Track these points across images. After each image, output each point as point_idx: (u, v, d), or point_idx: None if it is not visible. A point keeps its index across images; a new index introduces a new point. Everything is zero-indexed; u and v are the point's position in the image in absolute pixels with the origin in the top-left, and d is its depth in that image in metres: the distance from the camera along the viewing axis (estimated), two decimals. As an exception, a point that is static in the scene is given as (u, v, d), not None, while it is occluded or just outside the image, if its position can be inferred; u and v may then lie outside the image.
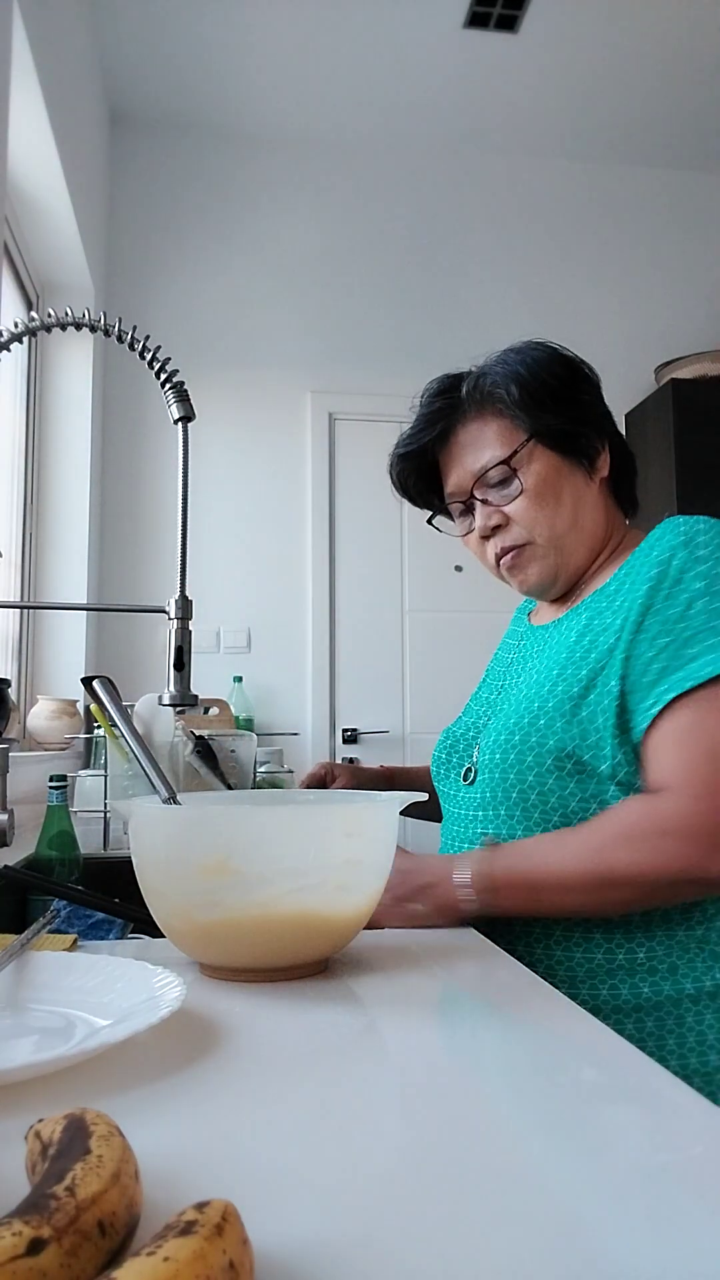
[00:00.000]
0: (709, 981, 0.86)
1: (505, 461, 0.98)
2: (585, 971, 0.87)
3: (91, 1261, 0.29)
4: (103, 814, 1.63)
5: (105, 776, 1.62)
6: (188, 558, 0.99)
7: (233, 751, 1.58)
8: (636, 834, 0.82)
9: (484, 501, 1.02)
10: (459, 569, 3.38)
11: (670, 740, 0.84)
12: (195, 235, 3.38)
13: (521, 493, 0.99)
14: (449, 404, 1.04)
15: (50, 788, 1.20)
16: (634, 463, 1.04)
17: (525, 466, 0.98)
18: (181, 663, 0.95)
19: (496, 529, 1.02)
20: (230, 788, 1.53)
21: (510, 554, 1.02)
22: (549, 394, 0.97)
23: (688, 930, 0.87)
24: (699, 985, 0.86)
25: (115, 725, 0.87)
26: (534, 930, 0.90)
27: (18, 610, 2.77)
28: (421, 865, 0.87)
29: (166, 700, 0.95)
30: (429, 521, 1.15)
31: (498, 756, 0.94)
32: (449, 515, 1.13)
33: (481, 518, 1.02)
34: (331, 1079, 0.50)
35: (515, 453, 0.98)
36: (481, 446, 1.01)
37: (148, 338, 1.02)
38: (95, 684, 0.90)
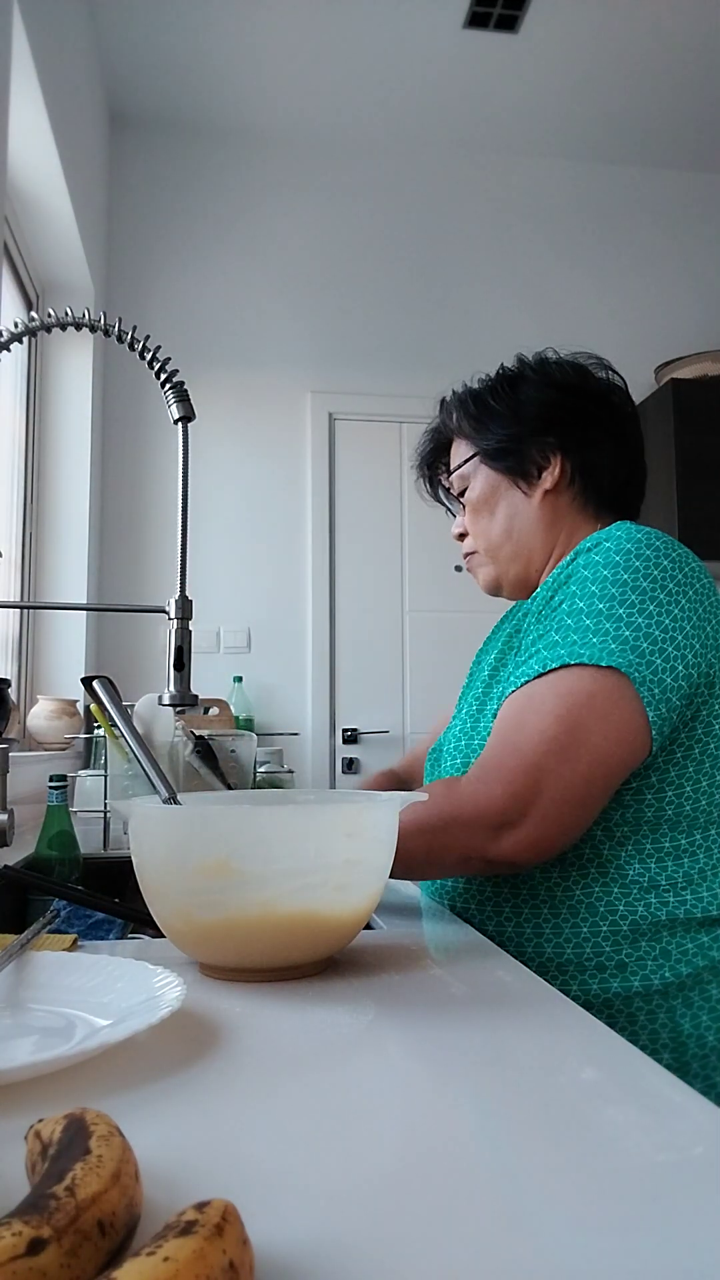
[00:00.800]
0: (658, 980, 0.86)
1: (449, 474, 1.11)
2: (537, 966, 0.88)
3: (91, 1261, 0.29)
4: (103, 814, 1.62)
5: (105, 776, 1.62)
6: (188, 558, 0.99)
7: (233, 751, 1.58)
8: (430, 822, 0.86)
9: (454, 512, 1.14)
10: (459, 569, 3.37)
11: (493, 729, 0.89)
12: (195, 235, 3.38)
13: (466, 507, 1.09)
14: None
15: (50, 788, 1.20)
16: (620, 466, 1.04)
17: (471, 483, 1.08)
18: (181, 663, 0.95)
19: (462, 535, 1.12)
20: (230, 788, 1.53)
21: (466, 559, 1.13)
22: (489, 416, 1.05)
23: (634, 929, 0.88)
24: (647, 984, 0.86)
25: (115, 725, 0.87)
26: (488, 925, 0.93)
27: (18, 610, 2.77)
28: None
29: (166, 700, 0.95)
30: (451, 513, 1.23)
31: (458, 761, 0.98)
32: None
33: (454, 524, 1.14)
34: (331, 1079, 0.50)
35: (458, 468, 1.09)
36: (453, 462, 1.12)
37: (148, 338, 1.02)
38: (95, 684, 0.90)
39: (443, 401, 1.12)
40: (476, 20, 2.89)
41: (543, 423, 1.02)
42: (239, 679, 3.13)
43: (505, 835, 0.83)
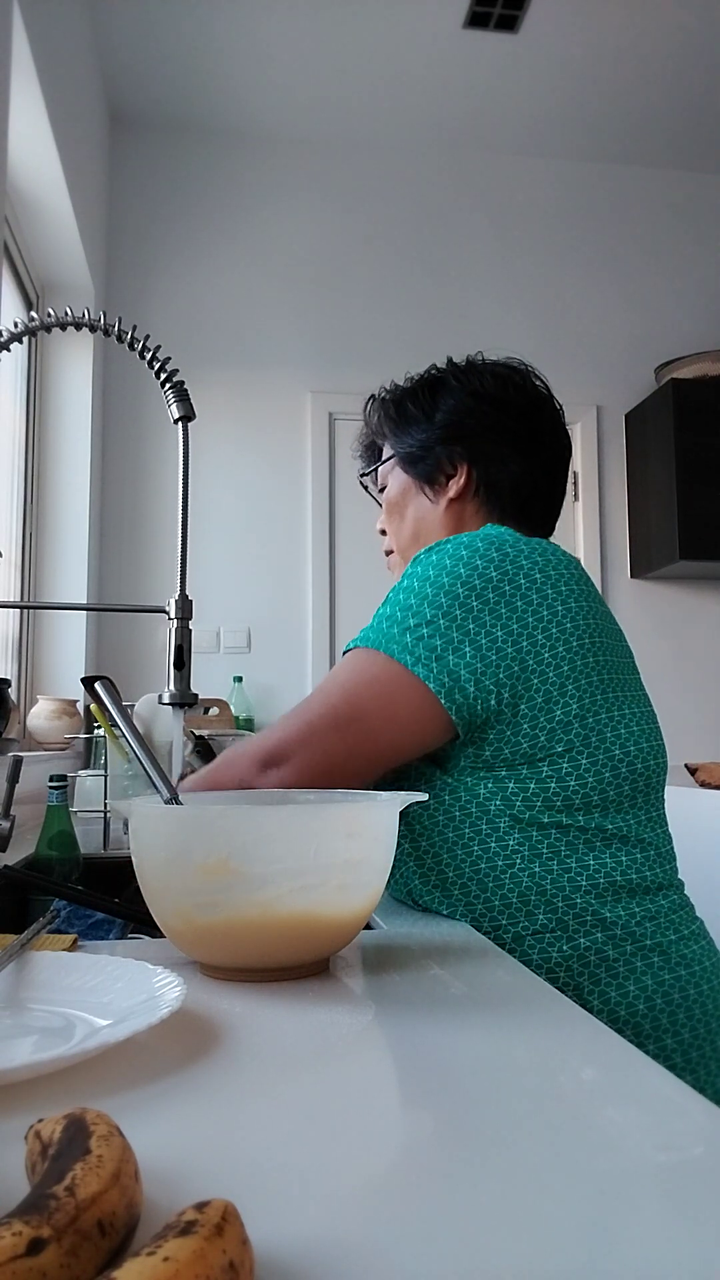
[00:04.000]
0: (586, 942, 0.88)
1: (364, 475, 1.17)
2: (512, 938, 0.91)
3: (91, 1261, 0.29)
4: (103, 814, 1.62)
5: (105, 776, 1.62)
6: (188, 558, 0.99)
7: (233, 751, 1.57)
8: (226, 753, 0.95)
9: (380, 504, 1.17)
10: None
11: None
12: (195, 235, 3.38)
13: (384, 505, 1.13)
14: None
15: (50, 788, 1.20)
16: (526, 481, 1.05)
17: (389, 483, 1.12)
18: (181, 662, 0.95)
19: (383, 531, 1.16)
20: (230, 788, 1.53)
21: (386, 555, 1.16)
22: (407, 421, 1.08)
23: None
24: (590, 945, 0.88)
25: (115, 725, 0.87)
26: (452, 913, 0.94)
27: (18, 610, 2.77)
28: None
29: (166, 700, 0.95)
30: None
31: None
32: None
33: (377, 520, 1.17)
34: (331, 1079, 0.50)
35: (374, 469, 1.15)
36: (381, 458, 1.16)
37: (148, 337, 1.02)
38: (95, 684, 0.90)
39: (370, 400, 1.15)
40: (476, 20, 2.89)
41: (454, 431, 1.05)
42: (239, 679, 3.13)
43: (268, 772, 0.90)
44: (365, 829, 0.70)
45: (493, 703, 0.88)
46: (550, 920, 0.88)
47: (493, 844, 0.90)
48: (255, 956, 0.68)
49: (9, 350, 1.04)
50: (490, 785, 0.91)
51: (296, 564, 3.30)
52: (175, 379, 0.99)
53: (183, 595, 0.98)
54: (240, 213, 3.42)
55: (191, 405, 0.99)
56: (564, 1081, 0.50)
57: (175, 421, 0.99)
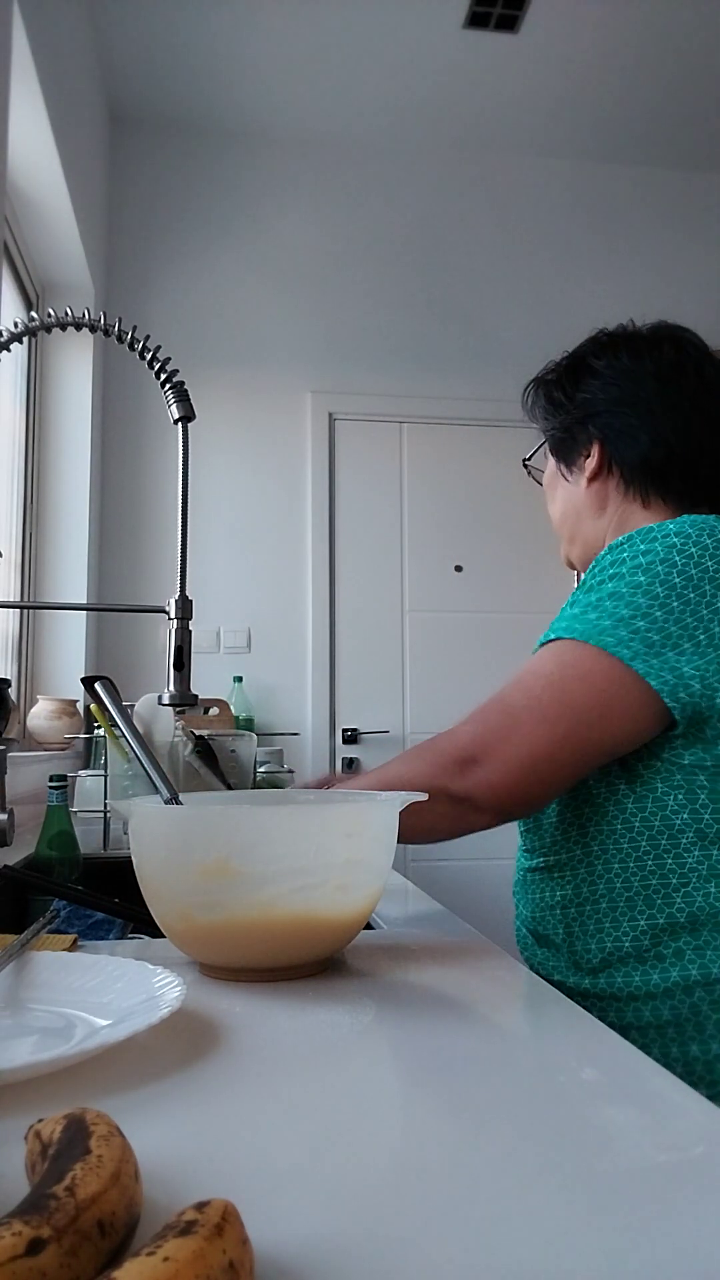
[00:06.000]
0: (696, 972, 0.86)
1: (526, 461, 1.19)
2: (586, 962, 0.91)
3: (91, 1261, 0.29)
4: (103, 814, 1.62)
5: (105, 776, 1.62)
6: (188, 558, 0.99)
7: (233, 751, 1.58)
8: (413, 751, 0.92)
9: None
10: (459, 569, 3.38)
11: None
12: (195, 235, 3.38)
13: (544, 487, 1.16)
14: None
15: (50, 788, 1.20)
16: (658, 448, 1.01)
17: (542, 466, 1.15)
18: (181, 663, 0.95)
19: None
20: (230, 788, 1.53)
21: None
22: (552, 404, 1.09)
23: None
24: (686, 976, 0.86)
25: (115, 725, 0.87)
26: (545, 925, 0.96)
27: (18, 610, 2.77)
28: (318, 781, 1.08)
29: (166, 700, 0.95)
30: None
31: None
32: None
33: None
34: (332, 1079, 0.50)
35: (531, 454, 1.18)
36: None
37: (148, 337, 1.02)
38: (95, 684, 0.90)
39: (527, 386, 1.13)
40: (476, 20, 2.89)
41: (587, 409, 1.04)
42: (239, 679, 3.13)
43: (467, 771, 0.87)
44: (365, 829, 0.70)
45: (717, 700, 0.83)
46: (712, 934, 0.85)
47: (669, 860, 0.87)
48: (255, 956, 0.68)
49: (9, 350, 1.04)
50: (681, 797, 0.87)
51: (296, 564, 3.30)
52: (175, 379, 0.99)
53: (183, 595, 0.98)
54: (240, 212, 3.42)
55: (191, 405, 0.99)
56: (564, 1081, 0.50)
57: (175, 422, 0.99)
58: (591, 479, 1.04)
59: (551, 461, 1.11)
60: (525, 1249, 0.34)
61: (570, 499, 1.08)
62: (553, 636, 0.89)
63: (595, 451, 1.04)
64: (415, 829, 0.89)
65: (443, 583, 3.35)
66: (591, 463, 1.04)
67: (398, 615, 3.35)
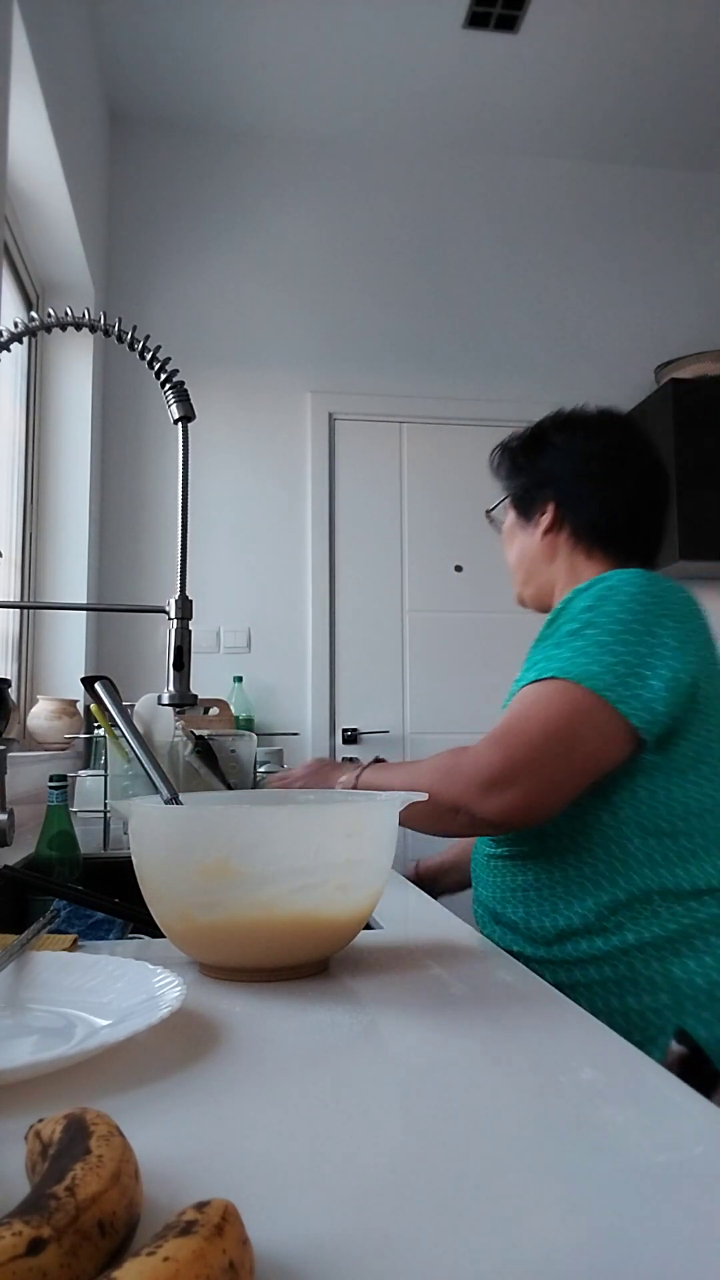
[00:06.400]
0: (649, 935, 1.01)
1: (490, 511, 1.38)
2: (543, 936, 1.07)
3: (91, 1261, 0.29)
4: (103, 814, 1.62)
5: (105, 776, 1.62)
6: (188, 558, 0.99)
7: (233, 751, 1.58)
8: (442, 768, 1.05)
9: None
10: (459, 569, 3.38)
11: (506, 711, 1.07)
12: (195, 235, 3.38)
13: (503, 535, 1.35)
14: None
15: (50, 788, 1.20)
16: (605, 514, 1.21)
17: (505, 517, 1.32)
18: (181, 663, 0.95)
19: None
20: (230, 788, 1.53)
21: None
22: (515, 467, 1.28)
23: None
24: (640, 938, 1.01)
25: (115, 725, 0.87)
26: (505, 907, 1.12)
27: (18, 610, 2.77)
28: (323, 768, 1.28)
29: (166, 700, 0.95)
30: None
31: None
32: None
33: None
34: (331, 1079, 0.50)
35: (494, 507, 1.36)
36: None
37: (148, 337, 1.02)
38: (95, 684, 0.90)
39: (494, 450, 1.34)
40: (476, 20, 2.88)
41: (546, 476, 1.24)
42: (239, 679, 3.13)
43: (493, 794, 1.00)
44: (365, 829, 0.70)
45: (676, 716, 1.02)
46: (646, 909, 1.01)
47: (614, 848, 1.04)
48: (255, 956, 0.68)
49: (9, 350, 1.04)
50: (628, 794, 1.04)
51: (296, 564, 3.30)
52: (175, 379, 0.99)
53: (183, 595, 0.98)
54: (240, 212, 3.42)
55: (191, 405, 0.99)
56: (564, 1081, 0.50)
57: (175, 422, 0.99)
58: (545, 532, 1.24)
59: (512, 514, 1.30)
60: (525, 1249, 0.34)
61: (525, 547, 1.27)
62: (546, 675, 1.03)
63: (550, 510, 1.23)
64: (427, 828, 1.07)
65: (443, 583, 3.35)
66: (546, 519, 1.24)
67: (398, 615, 3.35)
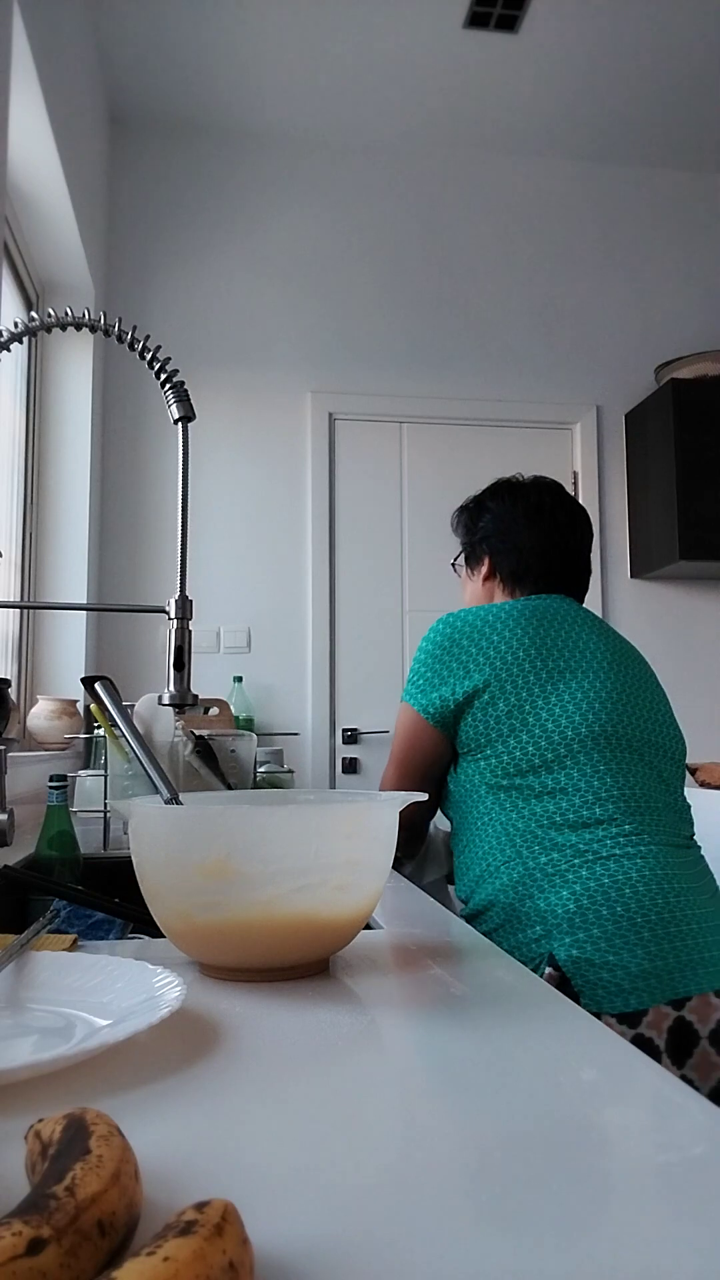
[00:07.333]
0: (519, 872, 1.25)
1: (453, 562, 1.66)
2: (466, 877, 1.34)
3: (91, 1261, 0.29)
4: (103, 814, 1.62)
5: (105, 776, 1.62)
6: (188, 558, 0.99)
7: (233, 751, 1.58)
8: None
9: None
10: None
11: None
12: (195, 235, 3.38)
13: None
14: None
15: (50, 788, 1.20)
16: (522, 561, 1.50)
17: (461, 566, 1.63)
18: (181, 663, 0.95)
19: None
20: (230, 788, 1.53)
21: None
22: (464, 527, 1.60)
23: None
24: (512, 876, 1.26)
25: (115, 725, 0.87)
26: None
27: (18, 610, 2.77)
28: None
29: (166, 700, 0.95)
30: None
31: None
32: None
33: None
34: (332, 1079, 0.50)
35: (456, 559, 1.64)
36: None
37: (148, 337, 1.02)
38: (95, 684, 0.90)
39: (455, 512, 1.64)
40: (476, 20, 2.89)
41: (482, 534, 1.55)
42: (239, 679, 3.13)
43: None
44: (365, 829, 0.70)
45: (462, 714, 1.34)
46: (510, 851, 1.26)
47: (474, 802, 1.33)
48: (255, 956, 0.68)
49: (9, 350, 1.04)
50: (492, 805, 1.31)
51: (296, 564, 3.30)
52: (175, 379, 0.99)
53: (183, 595, 0.98)
54: (240, 212, 3.42)
55: (191, 405, 0.99)
56: (564, 1081, 0.50)
57: (175, 422, 0.99)
58: (485, 579, 1.54)
59: (465, 564, 1.61)
60: (525, 1249, 0.34)
61: (473, 591, 1.58)
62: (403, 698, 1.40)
63: (486, 562, 1.54)
64: (403, 842, 1.41)
65: (443, 583, 3.35)
66: (484, 569, 1.55)
67: (398, 615, 3.35)
